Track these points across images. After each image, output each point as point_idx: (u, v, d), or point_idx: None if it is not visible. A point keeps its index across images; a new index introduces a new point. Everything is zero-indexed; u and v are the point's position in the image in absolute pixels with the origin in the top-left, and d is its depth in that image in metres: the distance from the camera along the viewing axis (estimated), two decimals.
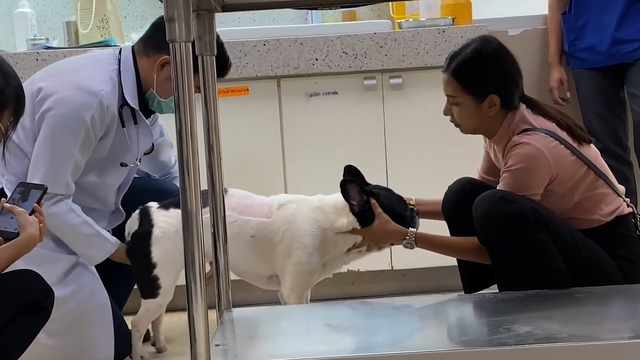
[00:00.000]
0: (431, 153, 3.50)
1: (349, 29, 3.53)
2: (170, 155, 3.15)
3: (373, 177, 2.83)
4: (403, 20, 3.63)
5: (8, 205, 2.15)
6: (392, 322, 2.35)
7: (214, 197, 2.37)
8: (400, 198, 2.74)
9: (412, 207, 2.75)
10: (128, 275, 2.85)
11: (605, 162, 2.65)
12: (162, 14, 1.78)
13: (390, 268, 3.56)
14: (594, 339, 1.99)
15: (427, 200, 2.84)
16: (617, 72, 3.59)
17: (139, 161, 2.89)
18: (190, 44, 1.77)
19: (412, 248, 2.65)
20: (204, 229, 1.85)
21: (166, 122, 3.10)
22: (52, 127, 2.67)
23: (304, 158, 3.52)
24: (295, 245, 2.66)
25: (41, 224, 2.17)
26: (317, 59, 3.46)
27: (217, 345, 2.12)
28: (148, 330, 2.91)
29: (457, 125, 2.67)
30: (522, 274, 2.46)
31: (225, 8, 2.35)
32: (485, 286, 2.74)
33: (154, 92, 2.79)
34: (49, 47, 3.50)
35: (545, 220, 2.46)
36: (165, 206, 2.72)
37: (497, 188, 2.55)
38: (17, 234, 2.12)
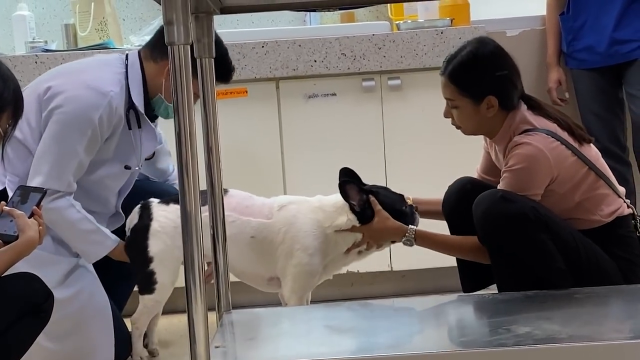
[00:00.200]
0: (430, 154, 3.51)
1: (347, 31, 3.53)
2: (169, 163, 3.16)
3: (372, 178, 2.84)
4: (401, 22, 3.63)
5: (7, 208, 2.16)
6: (392, 324, 2.35)
7: (213, 198, 2.38)
8: (399, 195, 2.75)
9: (411, 204, 2.76)
10: (128, 276, 2.86)
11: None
12: (160, 16, 1.79)
13: (389, 269, 3.56)
14: (594, 339, 1.99)
15: (425, 200, 2.85)
16: (616, 72, 3.59)
17: (141, 165, 2.90)
18: (188, 47, 1.77)
19: (411, 245, 2.66)
20: (203, 229, 1.85)
21: (165, 129, 3.10)
22: (60, 124, 2.67)
23: (303, 159, 3.52)
24: (296, 247, 2.66)
25: (40, 227, 2.17)
26: (315, 61, 3.47)
27: (217, 347, 2.12)
28: (145, 334, 2.91)
29: (458, 127, 2.67)
30: (521, 274, 2.46)
31: (224, 10, 2.36)
32: (485, 286, 2.75)
33: (162, 97, 2.80)
34: (47, 50, 3.50)
35: (545, 220, 2.46)
36: (166, 202, 2.73)
37: (498, 188, 2.55)
38: (17, 237, 2.12)
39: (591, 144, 2.63)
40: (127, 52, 2.87)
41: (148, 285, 2.72)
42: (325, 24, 3.92)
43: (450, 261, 2.81)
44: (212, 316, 2.16)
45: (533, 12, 3.78)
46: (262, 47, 3.45)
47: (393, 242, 2.73)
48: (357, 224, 2.67)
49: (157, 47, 2.79)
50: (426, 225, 2.74)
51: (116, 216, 2.92)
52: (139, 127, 2.82)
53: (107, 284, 2.84)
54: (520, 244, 2.45)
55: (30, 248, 2.14)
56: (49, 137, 2.68)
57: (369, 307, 2.66)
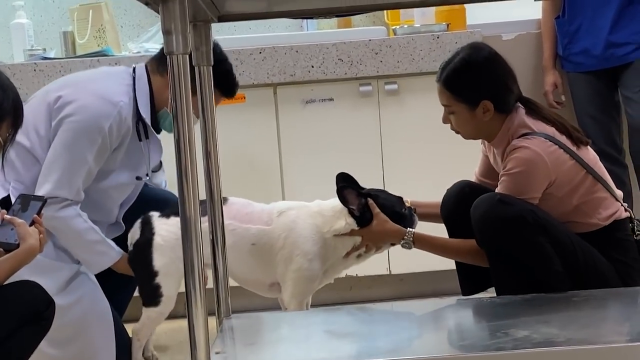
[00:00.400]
0: (427, 158, 3.52)
1: (344, 36, 3.55)
2: (162, 179, 3.17)
3: (370, 183, 2.84)
4: (398, 27, 3.65)
5: (8, 216, 2.16)
6: (392, 328, 2.36)
7: (212, 204, 2.39)
8: (398, 198, 2.76)
9: (410, 206, 2.77)
10: (127, 283, 2.87)
11: None
12: (158, 23, 1.80)
13: (388, 273, 3.57)
14: (592, 342, 2.00)
15: (424, 203, 2.86)
16: (612, 75, 3.60)
17: (148, 176, 2.92)
18: (187, 56, 1.78)
19: (409, 248, 2.67)
20: (203, 238, 1.86)
21: (164, 139, 3.10)
22: (71, 133, 2.68)
23: (301, 164, 3.53)
24: (296, 252, 2.67)
25: (41, 235, 2.18)
26: (313, 66, 3.48)
27: (217, 352, 2.13)
28: None
29: (457, 132, 2.69)
30: (520, 277, 2.47)
31: (222, 19, 2.37)
32: (483, 289, 2.76)
33: (168, 110, 2.82)
34: (46, 58, 3.51)
35: (543, 224, 2.47)
36: (166, 215, 2.74)
37: (496, 191, 2.56)
38: (18, 245, 2.13)
39: (590, 148, 2.64)
40: (134, 65, 2.89)
41: (153, 298, 2.71)
42: (322, 29, 3.93)
43: (449, 264, 2.82)
44: (212, 321, 2.17)
45: (529, 15, 3.78)
46: (260, 53, 3.47)
47: (393, 244, 2.74)
48: (355, 227, 2.68)
49: (163, 61, 2.79)
50: (424, 228, 2.76)
51: (115, 225, 2.92)
52: (147, 138, 2.84)
53: (108, 290, 2.84)
54: (518, 246, 2.46)
55: (31, 256, 2.14)
56: (59, 145, 2.69)
57: (368, 312, 2.67)
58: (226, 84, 2.82)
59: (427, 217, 2.84)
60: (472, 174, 2.87)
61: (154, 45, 3.58)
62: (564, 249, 2.49)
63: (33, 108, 2.72)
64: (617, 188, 2.67)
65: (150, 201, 2.90)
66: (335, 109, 3.53)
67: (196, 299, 1.82)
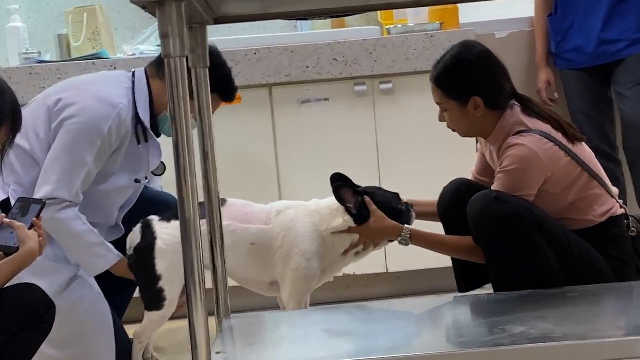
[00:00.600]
0: (423, 156, 3.53)
1: (338, 36, 3.56)
2: (159, 184, 3.18)
3: (366, 182, 2.85)
4: (391, 26, 3.66)
5: (7, 220, 2.17)
6: (390, 326, 2.37)
7: (210, 205, 2.40)
8: (395, 194, 2.77)
9: (407, 202, 2.78)
10: (127, 285, 2.87)
11: None
12: (153, 25, 1.81)
13: (385, 271, 3.58)
14: (588, 337, 2.01)
15: (420, 201, 2.87)
16: (604, 72, 3.62)
17: (147, 179, 2.93)
18: (184, 59, 1.79)
19: (407, 245, 2.68)
20: (202, 240, 1.87)
21: (163, 143, 3.11)
22: (71, 134, 2.70)
23: (297, 164, 3.54)
24: (294, 251, 2.68)
25: (41, 238, 2.19)
26: (308, 67, 3.49)
27: (217, 353, 2.13)
28: None
29: (453, 130, 2.71)
30: (516, 273, 2.49)
31: (218, 21, 2.37)
32: (480, 285, 2.77)
33: (167, 114, 2.83)
34: (42, 61, 3.51)
35: (539, 220, 2.48)
36: (166, 219, 2.74)
37: (492, 188, 2.58)
38: (17, 249, 2.14)
39: (585, 145, 2.66)
40: (133, 69, 2.90)
41: (156, 302, 2.70)
42: (317, 30, 3.94)
43: (445, 262, 2.83)
44: (212, 321, 2.18)
45: (521, 14, 3.80)
46: (255, 54, 3.48)
47: (390, 241, 2.75)
48: (353, 225, 2.70)
49: (162, 65, 2.80)
50: (421, 226, 2.77)
51: (114, 228, 2.93)
52: (146, 141, 2.85)
53: (107, 292, 2.85)
54: (515, 243, 2.48)
55: (31, 259, 2.15)
56: (59, 147, 2.70)
57: (366, 310, 2.68)
58: (225, 88, 2.84)
59: (424, 215, 2.85)
60: (467, 172, 2.89)
61: (149, 47, 3.58)
62: (559, 246, 2.50)
63: (33, 111, 2.74)
64: (612, 185, 2.69)
65: (148, 203, 2.92)
66: (330, 108, 3.54)
67: (197, 300, 1.83)
